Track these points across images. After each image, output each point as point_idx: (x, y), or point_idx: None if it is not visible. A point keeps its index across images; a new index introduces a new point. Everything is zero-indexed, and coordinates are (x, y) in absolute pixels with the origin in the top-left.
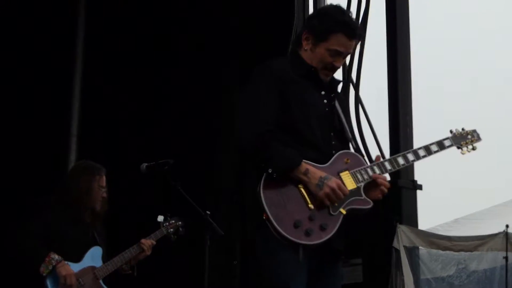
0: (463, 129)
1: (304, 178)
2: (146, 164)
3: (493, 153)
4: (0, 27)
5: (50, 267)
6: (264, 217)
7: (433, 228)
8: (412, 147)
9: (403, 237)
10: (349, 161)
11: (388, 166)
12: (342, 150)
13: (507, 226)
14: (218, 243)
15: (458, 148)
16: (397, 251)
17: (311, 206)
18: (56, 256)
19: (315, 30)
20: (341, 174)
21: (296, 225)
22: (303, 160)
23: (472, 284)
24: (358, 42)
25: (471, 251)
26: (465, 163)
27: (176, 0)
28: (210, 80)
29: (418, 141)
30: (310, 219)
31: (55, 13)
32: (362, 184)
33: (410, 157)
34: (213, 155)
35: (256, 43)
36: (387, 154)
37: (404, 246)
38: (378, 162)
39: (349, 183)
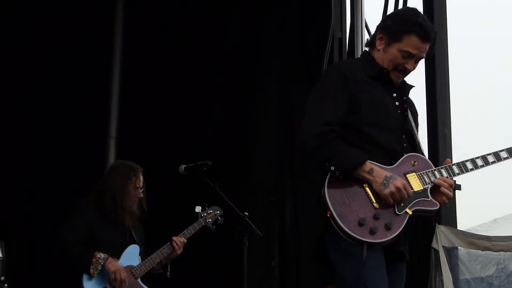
0: None
1: (368, 176)
2: (185, 165)
3: None
4: (39, 33)
5: (99, 267)
6: (328, 215)
7: (472, 228)
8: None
9: (442, 237)
10: (416, 163)
11: (456, 170)
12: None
13: None
14: (257, 244)
15: None
16: (436, 252)
17: (376, 205)
18: (102, 255)
19: (389, 30)
20: (408, 175)
21: (360, 223)
22: (368, 160)
23: None
24: (433, 46)
25: (510, 251)
26: (503, 163)
27: (212, 2)
28: (246, 81)
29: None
30: (375, 217)
31: (93, 17)
32: (429, 186)
33: (479, 162)
34: (251, 156)
35: (292, 45)
36: None
37: (443, 247)
38: (446, 166)
39: (416, 185)
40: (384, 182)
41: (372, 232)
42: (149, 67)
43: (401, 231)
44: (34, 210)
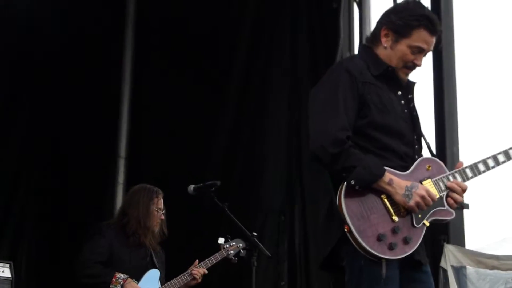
0: None
1: (389, 188)
2: (194, 185)
3: None
4: (49, 51)
5: (118, 287)
6: (345, 229)
7: (481, 247)
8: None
9: (450, 256)
10: (430, 168)
11: (469, 173)
12: (423, 155)
13: None
14: (265, 264)
15: None
16: (445, 271)
17: (395, 218)
18: (122, 275)
19: (395, 26)
20: (423, 182)
21: (379, 239)
22: (386, 169)
23: None
24: (439, 38)
25: None
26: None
27: (226, 11)
28: (255, 100)
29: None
30: (394, 232)
31: (104, 36)
32: (445, 193)
33: (490, 163)
34: (260, 176)
35: (301, 67)
36: None
37: (451, 266)
38: (460, 169)
39: None
40: (407, 193)
41: (391, 248)
42: (158, 86)
43: (419, 244)
44: (42, 230)
